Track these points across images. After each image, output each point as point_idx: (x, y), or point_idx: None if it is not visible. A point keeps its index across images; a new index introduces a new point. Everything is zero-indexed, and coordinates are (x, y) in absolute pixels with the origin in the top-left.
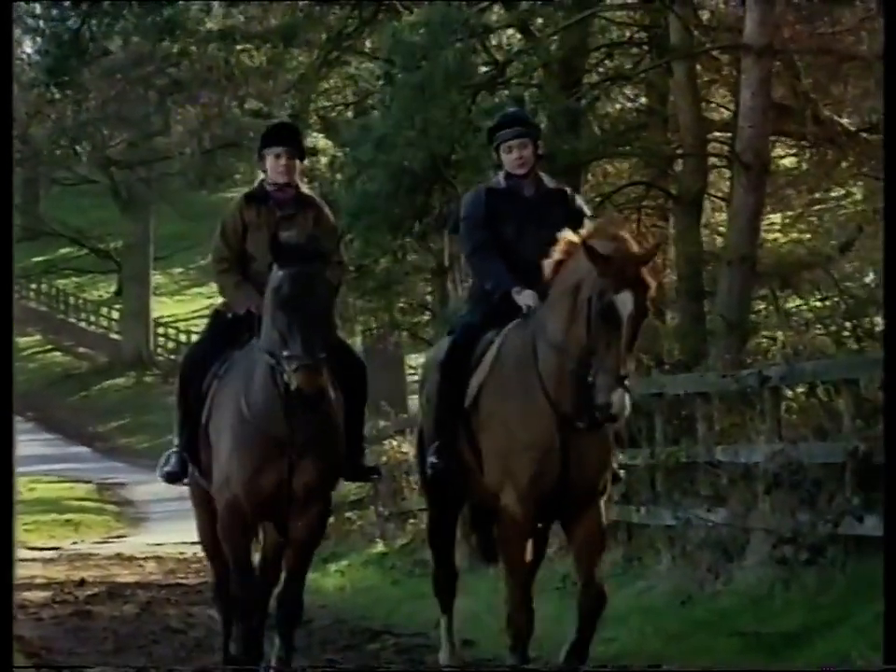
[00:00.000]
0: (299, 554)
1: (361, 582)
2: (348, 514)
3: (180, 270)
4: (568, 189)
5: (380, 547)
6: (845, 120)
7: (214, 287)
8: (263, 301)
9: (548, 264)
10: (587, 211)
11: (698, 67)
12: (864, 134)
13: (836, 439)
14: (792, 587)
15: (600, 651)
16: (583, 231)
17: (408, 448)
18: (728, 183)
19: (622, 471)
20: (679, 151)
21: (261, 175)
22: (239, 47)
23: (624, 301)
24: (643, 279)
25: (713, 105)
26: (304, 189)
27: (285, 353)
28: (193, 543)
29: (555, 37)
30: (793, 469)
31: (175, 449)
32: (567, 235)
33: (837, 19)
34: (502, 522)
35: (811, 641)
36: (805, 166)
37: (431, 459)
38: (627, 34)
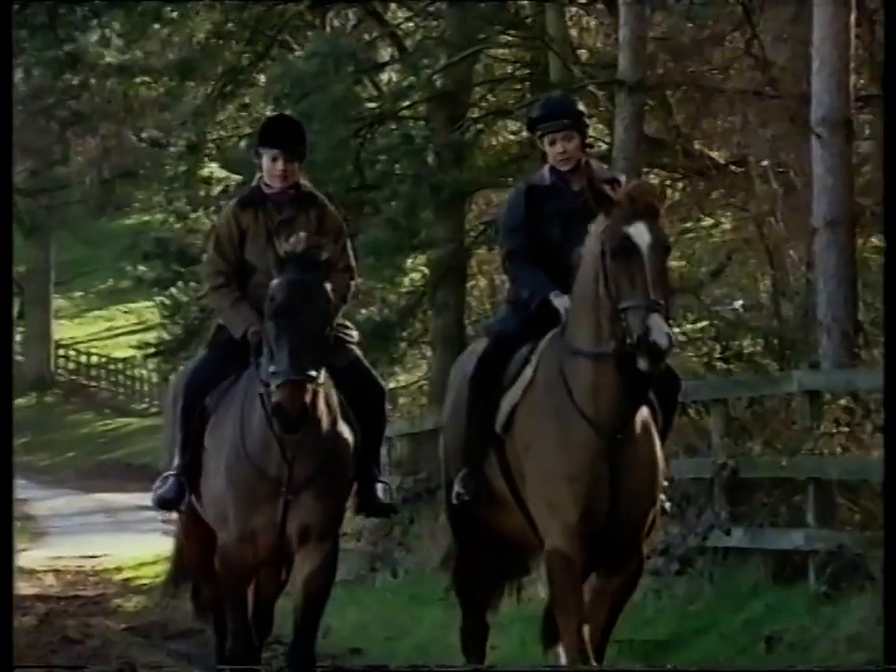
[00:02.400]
0: (308, 603)
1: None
2: None
3: (80, 294)
4: (622, 177)
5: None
6: (714, 153)
7: (113, 310)
8: (260, 325)
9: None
10: None
11: None
12: (732, 167)
13: (705, 455)
14: (664, 596)
15: None
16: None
17: None
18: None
19: (667, 504)
20: None
21: (257, 176)
22: (138, 80)
23: (640, 231)
24: (656, 208)
25: (590, 138)
26: (306, 187)
27: (271, 368)
28: (92, 557)
29: (440, 73)
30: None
31: (172, 472)
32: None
33: (707, 57)
34: (550, 562)
35: (681, 648)
36: (676, 197)
37: (457, 489)
38: (509, 70)
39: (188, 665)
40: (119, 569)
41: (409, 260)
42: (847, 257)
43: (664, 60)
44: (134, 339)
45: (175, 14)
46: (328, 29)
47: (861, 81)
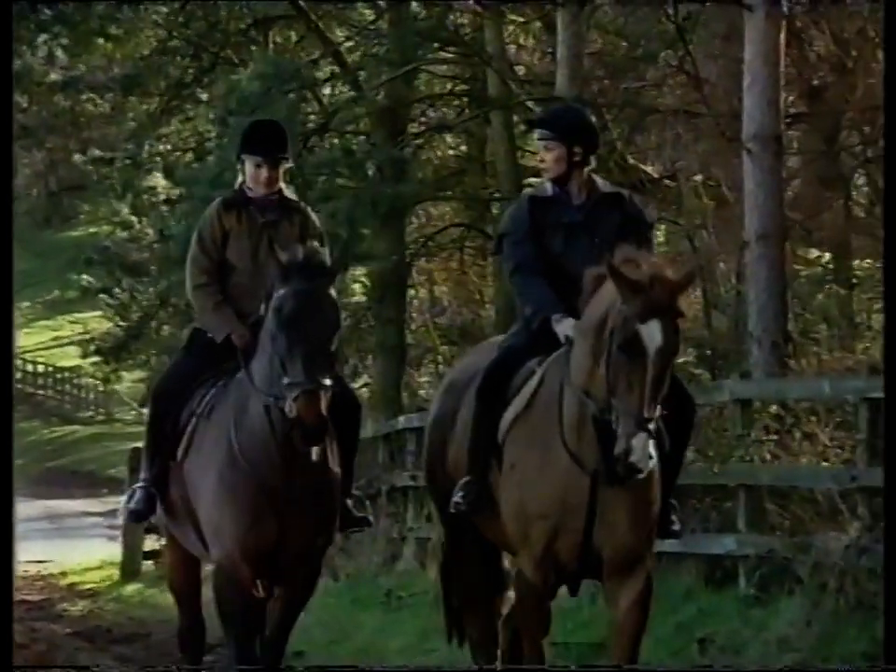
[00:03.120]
0: (287, 613)
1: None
2: None
3: (28, 304)
4: (626, 193)
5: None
6: (648, 168)
7: (60, 320)
8: (245, 329)
9: (581, 301)
10: (650, 217)
11: (514, 117)
12: (665, 181)
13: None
14: (598, 601)
15: (422, 661)
16: (615, 260)
17: None
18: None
19: (677, 526)
20: (497, 195)
21: (239, 179)
22: (83, 96)
23: (651, 332)
24: (675, 307)
25: (528, 153)
26: (288, 193)
27: (285, 380)
28: (38, 562)
29: (380, 89)
30: None
31: (141, 484)
32: (595, 269)
33: (641, 75)
34: (518, 584)
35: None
36: None
37: (457, 498)
38: (449, 86)
39: (134, 669)
40: (64, 574)
41: (350, 273)
42: (778, 269)
43: (599, 77)
44: (80, 348)
45: (119, 31)
46: (270, 46)
47: (791, 99)
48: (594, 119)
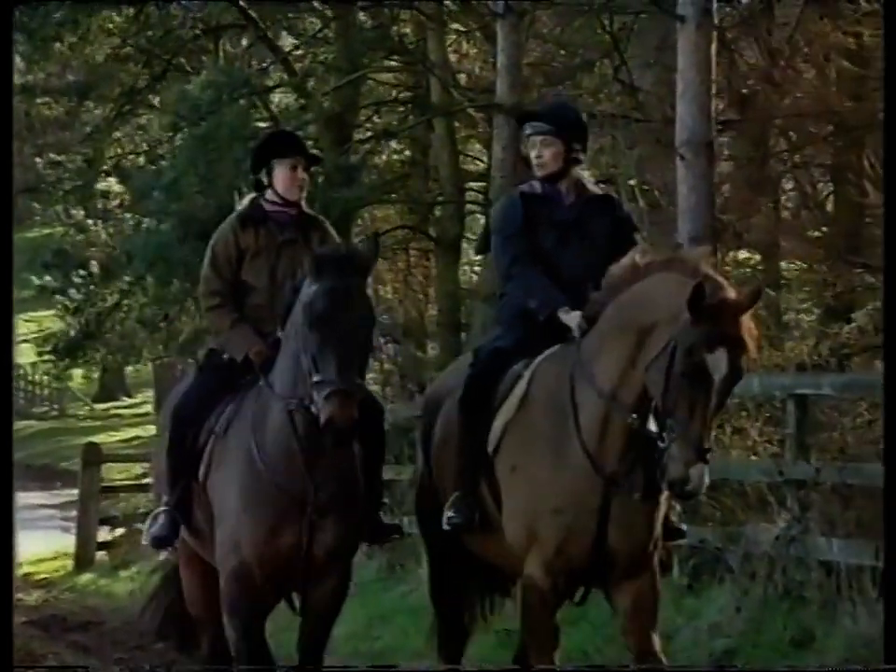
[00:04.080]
0: (317, 628)
1: (150, 587)
2: (139, 525)
3: None
4: (615, 196)
5: (166, 555)
6: (585, 172)
7: (16, 318)
8: (263, 346)
9: (604, 283)
10: (635, 222)
11: (456, 124)
12: (602, 184)
13: None
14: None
15: (366, 647)
16: (658, 257)
17: None
18: (483, 227)
19: (683, 525)
20: (440, 199)
21: (251, 195)
22: (39, 100)
23: (719, 362)
24: (743, 336)
25: (469, 158)
26: (306, 208)
27: (315, 378)
28: None
29: (328, 96)
30: None
31: (163, 508)
32: (637, 255)
33: (578, 82)
34: (525, 592)
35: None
36: None
37: (449, 514)
38: (393, 93)
39: (86, 657)
40: (19, 565)
41: None
42: None
43: (538, 84)
44: (35, 346)
45: (74, 38)
46: (220, 54)
47: (721, 106)
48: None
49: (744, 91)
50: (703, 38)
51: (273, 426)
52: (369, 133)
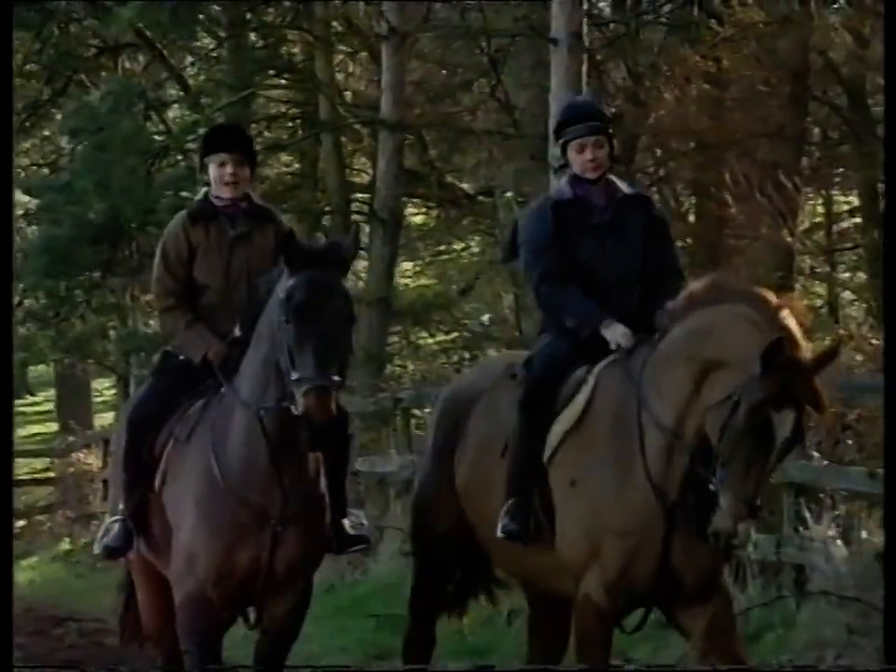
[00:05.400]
0: (277, 646)
1: (49, 576)
2: (39, 517)
3: None
4: (647, 194)
5: (66, 545)
6: (464, 185)
7: None
8: (222, 345)
9: (680, 303)
10: (668, 220)
11: (343, 138)
12: (480, 197)
13: None
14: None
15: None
16: (738, 286)
17: (92, 460)
18: (368, 236)
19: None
20: (328, 209)
21: (204, 188)
22: None
23: (784, 422)
24: (813, 396)
25: (355, 170)
26: (258, 200)
27: (293, 375)
28: None
29: (221, 111)
30: None
31: (118, 517)
32: (715, 280)
33: (458, 100)
34: (582, 612)
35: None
36: (432, 223)
37: (504, 522)
38: (283, 109)
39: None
40: None
41: None
42: None
43: (420, 102)
44: None
45: None
46: (119, 70)
47: None
48: None
49: (612, 109)
50: (574, 60)
51: (236, 433)
52: (260, 147)
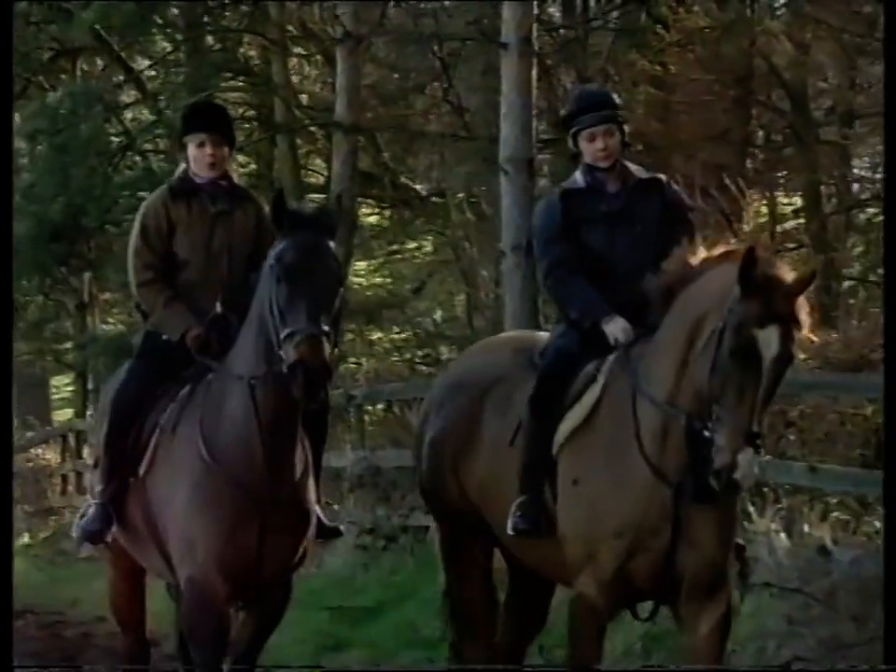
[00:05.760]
0: (260, 630)
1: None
2: None
3: None
4: (663, 177)
5: (25, 539)
6: (417, 186)
7: None
8: (200, 329)
9: (656, 290)
10: (689, 201)
11: (298, 140)
12: (433, 198)
13: (409, 447)
14: (371, 569)
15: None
16: (712, 253)
17: (51, 455)
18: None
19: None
20: None
21: (182, 165)
22: None
23: (769, 339)
24: (796, 313)
25: (311, 171)
26: (238, 181)
27: (285, 332)
28: None
29: (178, 112)
30: (373, 471)
31: (97, 500)
32: (681, 255)
33: (411, 103)
34: (575, 610)
35: (386, 613)
36: (385, 223)
37: (514, 519)
38: (240, 111)
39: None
40: None
41: None
42: (530, 277)
43: (374, 105)
44: None
45: None
46: (78, 73)
47: (542, 126)
48: None
49: (562, 112)
50: (524, 64)
51: (230, 411)
52: None
